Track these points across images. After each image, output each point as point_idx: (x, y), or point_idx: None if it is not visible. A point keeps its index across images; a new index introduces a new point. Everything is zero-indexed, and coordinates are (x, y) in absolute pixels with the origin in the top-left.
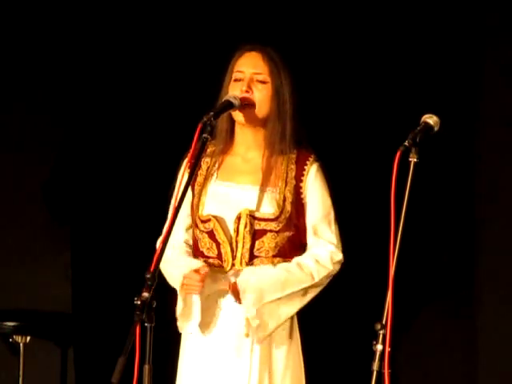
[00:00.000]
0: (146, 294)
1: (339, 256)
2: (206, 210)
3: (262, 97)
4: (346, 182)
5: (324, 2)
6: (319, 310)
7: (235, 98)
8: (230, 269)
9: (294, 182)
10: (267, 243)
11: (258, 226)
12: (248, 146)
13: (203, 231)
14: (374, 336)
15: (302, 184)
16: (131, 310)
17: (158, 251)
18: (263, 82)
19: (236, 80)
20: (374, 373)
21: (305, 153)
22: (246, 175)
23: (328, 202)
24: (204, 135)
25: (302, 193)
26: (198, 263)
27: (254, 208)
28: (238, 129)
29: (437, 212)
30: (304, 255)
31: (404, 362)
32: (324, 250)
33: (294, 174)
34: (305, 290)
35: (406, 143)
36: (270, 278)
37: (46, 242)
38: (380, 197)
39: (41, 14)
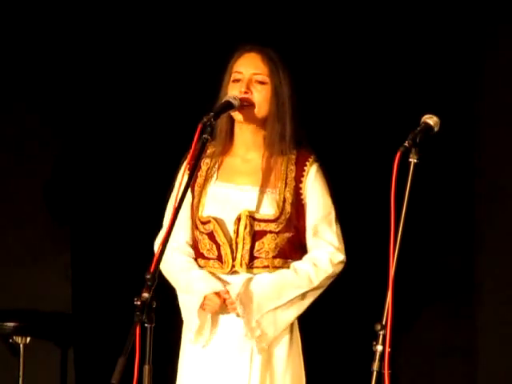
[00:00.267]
0: (145, 295)
1: (340, 257)
2: (206, 211)
3: (261, 97)
4: (346, 183)
5: (324, 2)
6: (319, 310)
7: (235, 98)
8: (230, 270)
9: (293, 182)
10: (267, 244)
11: (258, 227)
12: (248, 146)
13: (203, 233)
14: (374, 336)
15: (301, 185)
16: (131, 311)
17: (157, 252)
18: (262, 83)
19: (235, 80)
20: (374, 373)
21: (304, 153)
22: (246, 176)
23: (328, 202)
24: (204, 136)
25: (301, 193)
26: (220, 285)
27: (253, 209)
28: (237, 129)
29: (437, 212)
30: (302, 260)
31: (404, 363)
32: (323, 253)
33: (293, 174)
34: (304, 295)
35: (406, 144)
36: (268, 286)
37: (45, 242)
38: (380, 197)
39: (41, 13)
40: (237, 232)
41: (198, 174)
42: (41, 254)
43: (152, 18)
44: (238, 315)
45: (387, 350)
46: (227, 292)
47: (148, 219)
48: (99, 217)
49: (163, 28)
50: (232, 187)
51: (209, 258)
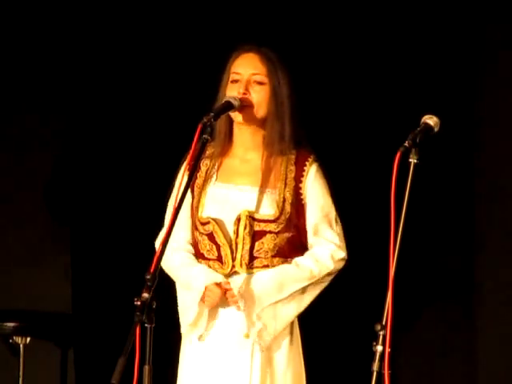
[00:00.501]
0: (145, 295)
1: (341, 254)
2: (206, 212)
3: (259, 98)
4: (346, 183)
5: (323, 2)
6: (319, 310)
7: (235, 98)
8: (230, 270)
9: (293, 182)
10: (266, 244)
11: (258, 227)
12: (247, 147)
13: (203, 233)
14: (374, 337)
15: (301, 185)
16: (131, 311)
17: (157, 252)
18: (261, 83)
19: (233, 81)
20: (374, 373)
21: (304, 153)
22: (246, 176)
23: (328, 201)
24: (204, 136)
25: (301, 193)
26: (220, 277)
27: (253, 209)
28: (236, 130)
29: (437, 212)
30: (304, 255)
31: (404, 363)
32: (324, 249)
33: (293, 174)
34: (305, 289)
35: (406, 144)
36: (269, 280)
37: (46, 243)
38: (380, 197)
39: (41, 13)
40: (236, 232)
41: (198, 174)
42: (41, 254)
43: (152, 18)
44: (238, 309)
45: (387, 350)
46: (228, 283)
47: (148, 219)
48: (99, 217)
49: (163, 28)
50: (231, 188)
51: (209, 259)
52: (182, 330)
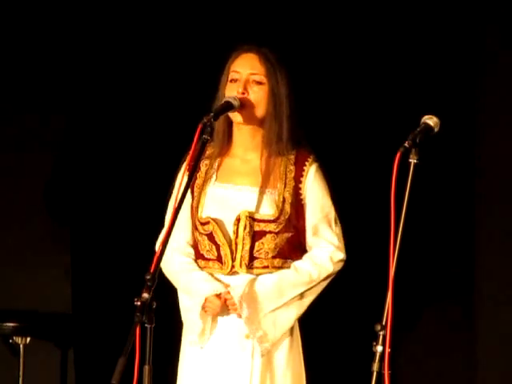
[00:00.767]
0: (145, 295)
1: (340, 255)
2: (205, 212)
3: (258, 97)
4: (346, 183)
5: (322, 2)
6: (319, 310)
7: (235, 98)
8: (230, 270)
9: (293, 182)
10: (267, 244)
11: (258, 227)
12: (246, 147)
13: (203, 234)
14: (374, 337)
15: (301, 185)
16: (131, 311)
17: (157, 252)
18: (259, 83)
19: (232, 81)
20: (374, 374)
21: (304, 153)
22: (245, 177)
23: (328, 202)
24: (204, 136)
25: (301, 194)
26: (220, 287)
27: (253, 209)
28: (236, 130)
29: (437, 212)
30: (302, 259)
31: (404, 363)
32: (323, 252)
33: (293, 174)
34: (305, 294)
35: (406, 144)
36: (269, 287)
37: (46, 243)
38: (380, 197)
39: (41, 13)
40: (236, 233)
41: (198, 174)
42: (41, 255)
43: (152, 18)
44: (239, 316)
45: (387, 350)
46: (228, 293)
47: (148, 219)
48: (99, 217)
49: (163, 28)
50: (231, 188)
51: (208, 259)
52: (193, 339)
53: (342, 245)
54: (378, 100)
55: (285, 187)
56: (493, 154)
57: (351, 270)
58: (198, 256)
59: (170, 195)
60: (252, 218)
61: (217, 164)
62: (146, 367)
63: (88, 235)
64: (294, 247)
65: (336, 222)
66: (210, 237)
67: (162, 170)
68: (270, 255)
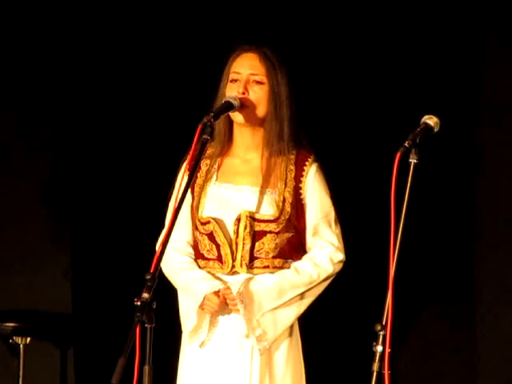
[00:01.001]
0: (145, 295)
1: (340, 256)
2: (206, 212)
3: (258, 97)
4: (346, 183)
5: (322, 2)
6: (319, 310)
7: (235, 98)
8: (230, 270)
9: (293, 182)
10: (267, 244)
11: (258, 227)
12: (247, 147)
13: (203, 233)
14: (374, 337)
15: (301, 185)
16: (131, 311)
17: (157, 252)
18: (260, 83)
19: (233, 81)
20: (374, 374)
21: (304, 153)
22: (246, 176)
23: (328, 202)
24: (204, 136)
25: (301, 194)
26: (219, 284)
27: (253, 209)
28: (236, 130)
29: (437, 212)
30: (302, 259)
31: (404, 363)
32: (323, 252)
33: (293, 174)
34: (304, 294)
35: (406, 144)
36: (269, 286)
37: (46, 243)
38: (380, 197)
39: (40, 13)
40: (237, 232)
41: (198, 174)
42: (41, 255)
43: (152, 18)
44: (238, 312)
45: (387, 350)
46: (227, 288)
47: (148, 219)
48: (99, 217)
49: (163, 28)
50: (232, 188)
51: (209, 259)
52: (184, 337)
53: (341, 245)
54: (378, 100)
55: (285, 187)
56: (493, 153)
57: (351, 271)
58: (198, 256)
59: (171, 195)
60: (252, 218)
61: (217, 164)
62: (146, 367)
63: (88, 235)
64: (294, 247)
65: (336, 223)
66: (211, 236)
67: (162, 170)
68: (270, 255)
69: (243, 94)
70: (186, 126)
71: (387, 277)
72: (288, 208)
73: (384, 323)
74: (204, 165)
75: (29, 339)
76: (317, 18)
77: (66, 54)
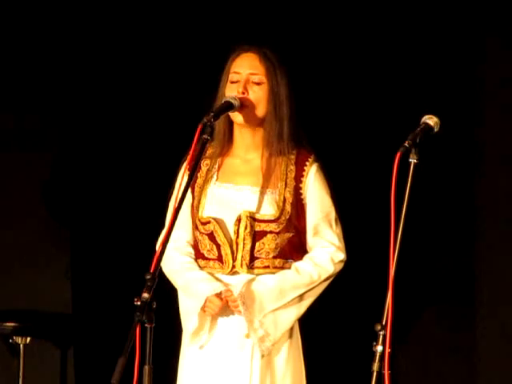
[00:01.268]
0: (146, 295)
1: (340, 256)
2: (206, 212)
3: (258, 97)
4: (346, 183)
5: (322, 2)
6: (320, 310)
7: (235, 98)
8: (231, 270)
9: (293, 182)
10: (267, 244)
11: (258, 227)
12: (247, 147)
13: (203, 233)
14: (374, 337)
15: (301, 185)
16: (131, 311)
17: (158, 252)
18: (259, 83)
19: (232, 81)
20: (374, 374)
21: (304, 153)
22: (246, 176)
23: (328, 202)
24: (204, 136)
25: (301, 194)
26: (221, 286)
27: (253, 209)
28: (236, 130)
29: (437, 212)
30: (303, 259)
31: (404, 363)
32: (323, 252)
33: (293, 174)
34: (305, 294)
35: (406, 144)
36: (270, 287)
37: (46, 243)
38: (380, 197)
39: (40, 13)
40: (237, 232)
41: (198, 174)
42: (41, 254)
43: (151, 18)
44: (239, 313)
45: (387, 350)
46: (229, 290)
47: (148, 219)
48: (99, 217)
49: (163, 28)
50: (232, 188)
51: (209, 259)
52: (185, 338)
53: (342, 245)
54: (378, 100)
55: (285, 187)
56: (493, 153)
57: (351, 271)
58: (199, 256)
59: (171, 195)
60: (253, 218)
61: (217, 164)
62: (146, 367)
63: (88, 235)
64: (294, 247)
65: (336, 222)
66: (211, 236)
67: (162, 170)
68: (270, 255)
69: (243, 93)
70: (186, 126)
71: (387, 277)
72: (288, 208)
73: (384, 323)
74: (204, 165)
75: (29, 339)
76: (317, 18)
77: (66, 54)
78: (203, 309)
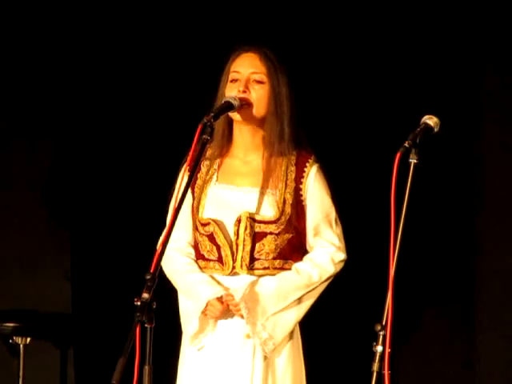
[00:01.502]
0: (146, 295)
1: (341, 256)
2: (206, 213)
3: (258, 97)
4: (346, 183)
5: (323, 2)
6: (320, 310)
7: (235, 98)
8: (231, 271)
9: (293, 183)
10: (267, 246)
11: (258, 228)
12: (247, 147)
13: (203, 234)
14: (374, 337)
15: (301, 186)
16: (131, 311)
17: (158, 252)
18: (260, 82)
19: (233, 80)
20: (374, 374)
21: (304, 154)
22: (246, 177)
23: (328, 202)
24: (204, 136)
25: (302, 195)
26: (222, 290)
27: (254, 210)
28: (236, 131)
29: (437, 212)
30: (303, 260)
31: (404, 363)
32: (323, 253)
33: (293, 175)
34: (307, 295)
35: (406, 144)
36: (271, 289)
37: (46, 243)
38: (380, 197)
39: (40, 13)
40: (237, 233)
41: (198, 175)
42: (41, 255)
43: (151, 18)
44: (241, 317)
45: (387, 350)
46: (229, 294)
47: (148, 219)
48: (99, 217)
49: (163, 28)
50: (232, 189)
51: (209, 260)
52: (184, 339)
53: (342, 245)
54: (378, 100)
55: (286, 188)
56: (493, 153)
57: (351, 271)
58: (199, 256)
59: (171, 196)
60: (253, 219)
61: (217, 165)
62: (146, 367)
63: (88, 235)
64: (294, 248)
65: (337, 223)
66: (211, 238)
67: (162, 170)
68: (270, 256)
69: (244, 92)
70: (186, 126)
71: (387, 277)
72: (288, 209)
73: (384, 323)
74: (204, 166)
75: (29, 339)
76: (317, 18)
77: (66, 55)
78: (204, 312)
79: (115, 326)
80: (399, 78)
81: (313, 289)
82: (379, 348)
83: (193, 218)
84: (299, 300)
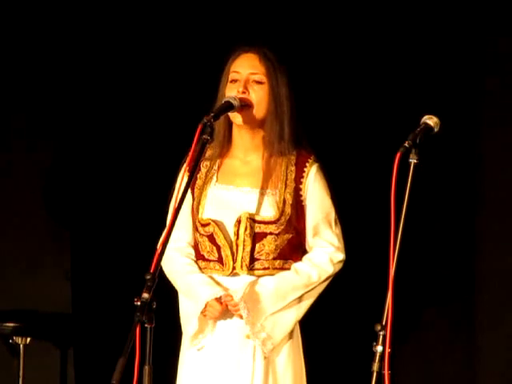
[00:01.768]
0: (146, 295)
1: (340, 256)
2: (206, 213)
3: (258, 97)
4: (347, 183)
5: (323, 2)
6: (320, 310)
7: (235, 99)
8: (231, 272)
9: (293, 184)
10: (267, 246)
11: (258, 228)
12: (247, 148)
13: (203, 235)
14: (374, 337)
15: (301, 186)
16: (131, 311)
17: (158, 252)
18: (260, 83)
19: (232, 81)
20: (374, 374)
21: (304, 154)
22: (246, 178)
23: (328, 202)
24: (204, 136)
25: (301, 195)
26: (221, 291)
27: (253, 211)
28: (236, 131)
29: (437, 212)
30: (302, 260)
31: (404, 363)
32: (322, 253)
33: (293, 175)
34: (306, 295)
35: (406, 144)
36: (270, 289)
37: (46, 243)
38: (380, 197)
39: (40, 14)
40: (237, 234)
41: (198, 176)
42: (41, 255)
43: (151, 18)
44: (241, 318)
45: (387, 350)
46: (229, 295)
47: (148, 220)
48: (99, 217)
49: (163, 28)
50: (232, 189)
51: (209, 260)
52: (184, 340)
53: (342, 245)
54: (378, 100)
55: (285, 188)
56: (493, 153)
57: (351, 271)
58: (199, 257)
59: (171, 196)
60: (253, 220)
61: (217, 165)
62: (146, 367)
63: (88, 235)
64: (294, 248)
65: (336, 223)
66: (211, 238)
67: (162, 170)
68: (270, 256)
69: (243, 93)
70: (186, 126)
71: (387, 277)
72: (288, 209)
73: (384, 323)
74: (204, 166)
75: (29, 339)
76: (317, 18)
77: (66, 55)
78: (203, 313)
79: (115, 326)
80: (399, 79)
81: (312, 289)
82: (379, 348)
83: (193, 219)
84: (298, 300)
